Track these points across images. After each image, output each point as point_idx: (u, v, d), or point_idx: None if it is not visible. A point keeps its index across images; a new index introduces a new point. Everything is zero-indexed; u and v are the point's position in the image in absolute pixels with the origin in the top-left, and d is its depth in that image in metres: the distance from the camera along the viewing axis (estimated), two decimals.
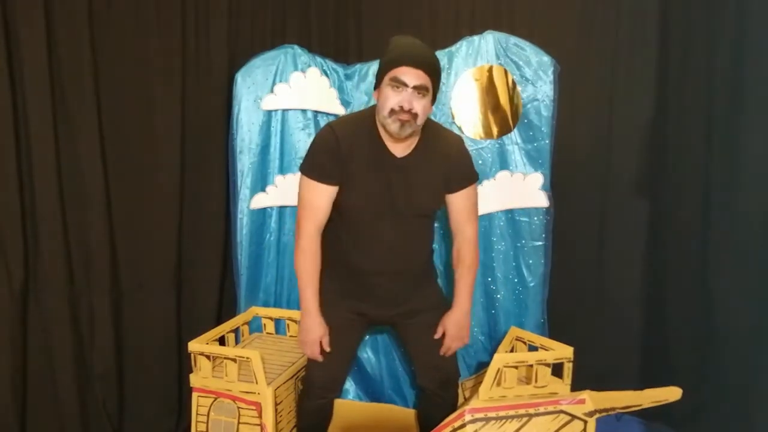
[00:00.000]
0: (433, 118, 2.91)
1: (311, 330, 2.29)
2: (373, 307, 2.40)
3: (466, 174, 2.38)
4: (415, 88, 2.09)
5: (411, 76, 2.08)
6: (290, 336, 3.01)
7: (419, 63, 2.10)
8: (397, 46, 2.16)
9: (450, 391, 2.49)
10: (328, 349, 2.31)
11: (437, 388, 2.45)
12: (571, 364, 2.39)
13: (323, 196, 2.24)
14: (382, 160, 2.23)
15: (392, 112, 2.10)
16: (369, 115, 2.26)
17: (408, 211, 2.28)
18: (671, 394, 2.12)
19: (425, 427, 2.52)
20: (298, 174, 2.94)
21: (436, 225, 2.91)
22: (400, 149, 2.23)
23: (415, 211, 2.31)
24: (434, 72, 2.16)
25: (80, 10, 2.54)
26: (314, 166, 2.23)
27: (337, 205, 2.28)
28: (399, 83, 2.09)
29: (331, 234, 2.36)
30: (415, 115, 2.10)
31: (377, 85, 2.21)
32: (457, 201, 2.38)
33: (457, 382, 2.53)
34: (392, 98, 2.10)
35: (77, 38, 2.55)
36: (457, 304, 2.41)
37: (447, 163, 2.31)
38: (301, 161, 2.33)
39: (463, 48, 2.88)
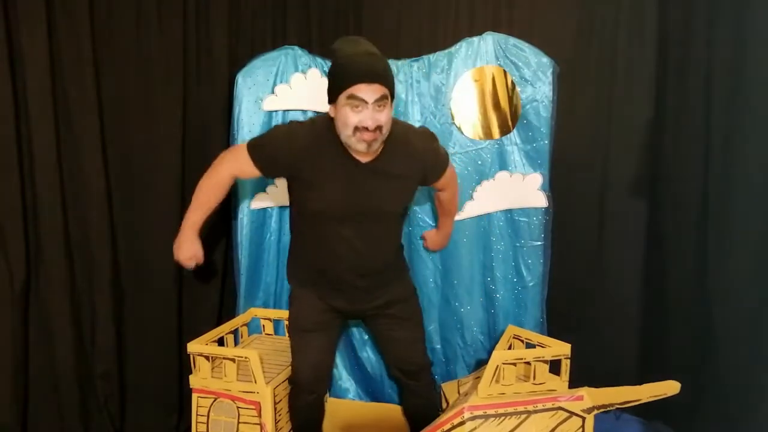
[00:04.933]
0: (432, 118, 2.94)
1: (184, 248, 2.40)
2: (345, 303, 2.42)
3: (439, 164, 2.42)
4: (375, 102, 2.02)
5: (369, 92, 2.01)
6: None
7: (375, 77, 2.02)
8: (347, 59, 2.07)
9: (422, 379, 2.52)
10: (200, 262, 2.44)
11: (408, 378, 2.50)
12: (568, 361, 2.39)
13: (250, 171, 2.30)
14: (346, 166, 2.18)
15: (356, 130, 2.05)
16: (326, 124, 2.20)
17: (374, 215, 2.27)
18: (669, 388, 2.12)
19: (409, 417, 2.58)
20: None
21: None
22: (363, 155, 2.18)
23: (382, 213, 2.30)
24: (390, 81, 2.09)
25: (81, 9, 2.56)
26: (262, 156, 2.25)
27: (301, 210, 2.31)
28: (358, 101, 2.02)
29: (298, 237, 2.42)
30: (380, 128, 2.06)
31: (332, 100, 2.12)
32: (437, 185, 2.51)
33: (429, 369, 2.57)
34: (352, 117, 2.03)
35: (78, 37, 2.56)
36: (441, 230, 2.83)
37: (417, 161, 2.28)
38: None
39: (462, 49, 2.89)
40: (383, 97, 2.04)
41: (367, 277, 2.34)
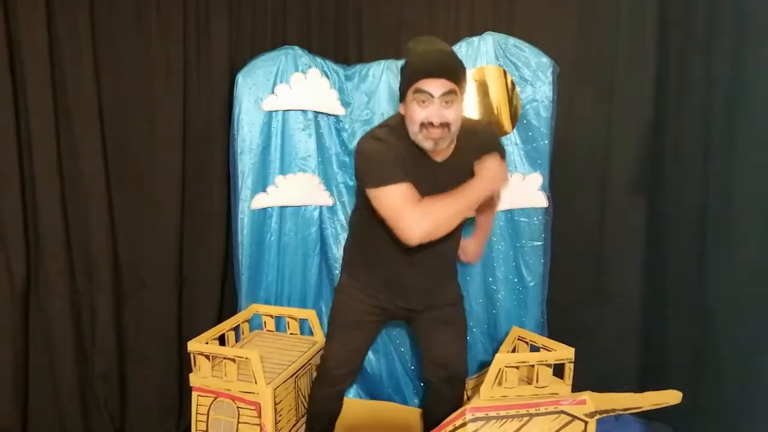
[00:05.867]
0: None
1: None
2: (398, 299, 2.39)
3: (492, 148, 2.26)
4: (441, 96, 1.98)
5: (435, 86, 1.97)
6: (290, 333, 3.02)
7: (441, 72, 1.98)
8: (416, 55, 2.05)
9: (455, 388, 2.50)
10: None
11: (442, 384, 2.46)
12: (572, 365, 2.39)
13: (411, 188, 2.04)
14: (426, 166, 2.14)
15: (422, 126, 2.00)
16: (400, 125, 2.13)
17: None
18: (672, 397, 2.12)
19: (429, 420, 2.54)
20: (299, 174, 3.00)
21: None
22: (440, 153, 2.15)
23: None
24: (458, 76, 2.03)
25: (81, 10, 2.55)
26: (391, 174, 2.03)
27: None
28: (424, 95, 1.98)
29: (364, 235, 2.37)
30: (447, 125, 2.00)
31: (402, 98, 2.09)
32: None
33: (465, 379, 2.55)
34: (419, 112, 2.00)
35: (78, 38, 2.57)
36: (481, 230, 2.65)
37: (482, 151, 2.21)
38: (367, 176, 2.10)
39: (462, 49, 2.87)
40: (450, 92, 1.99)
41: (430, 272, 2.32)
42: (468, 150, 2.19)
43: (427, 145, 2.04)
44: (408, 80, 2.04)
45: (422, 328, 2.50)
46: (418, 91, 1.99)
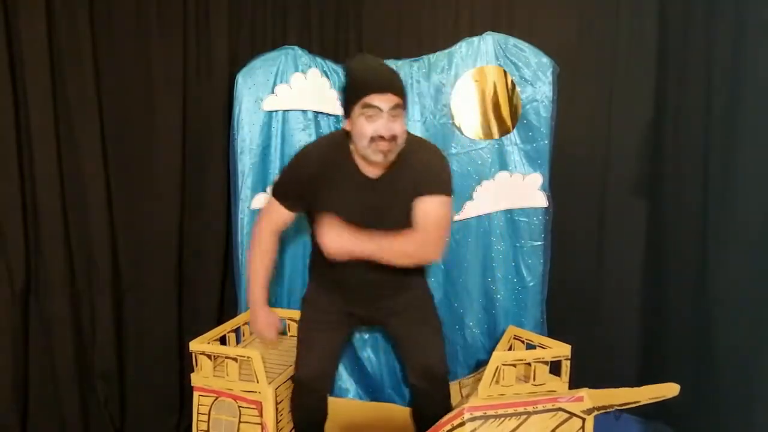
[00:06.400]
0: (432, 118, 2.94)
1: (258, 321, 2.46)
2: (360, 308, 2.45)
3: (433, 181, 2.19)
4: (389, 111, 2.05)
5: (383, 101, 2.04)
6: (291, 336, 3.02)
7: (388, 86, 2.06)
8: (360, 72, 2.12)
9: (439, 387, 2.49)
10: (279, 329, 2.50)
11: (426, 385, 2.47)
12: (568, 362, 2.40)
13: (285, 215, 2.35)
14: (357, 183, 2.21)
15: (372, 140, 2.06)
16: (341, 138, 2.23)
17: (386, 230, 2.22)
18: (668, 390, 2.12)
19: (419, 423, 2.54)
20: None
21: None
22: (373, 170, 2.20)
23: (393, 228, 2.27)
24: (403, 91, 2.12)
25: (81, 10, 2.56)
26: (284, 193, 2.32)
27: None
28: (372, 109, 2.04)
29: (315, 247, 2.39)
30: (395, 138, 2.07)
31: (347, 114, 2.15)
32: (419, 208, 2.17)
33: (446, 377, 2.53)
34: (368, 127, 2.05)
35: (78, 38, 2.56)
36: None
37: (418, 174, 2.21)
38: (278, 176, 2.42)
39: (462, 49, 2.88)
40: (397, 107, 2.07)
41: (379, 287, 2.36)
42: (404, 170, 2.21)
43: (377, 157, 2.10)
44: (355, 96, 2.08)
45: (397, 332, 2.53)
46: (367, 105, 2.05)
